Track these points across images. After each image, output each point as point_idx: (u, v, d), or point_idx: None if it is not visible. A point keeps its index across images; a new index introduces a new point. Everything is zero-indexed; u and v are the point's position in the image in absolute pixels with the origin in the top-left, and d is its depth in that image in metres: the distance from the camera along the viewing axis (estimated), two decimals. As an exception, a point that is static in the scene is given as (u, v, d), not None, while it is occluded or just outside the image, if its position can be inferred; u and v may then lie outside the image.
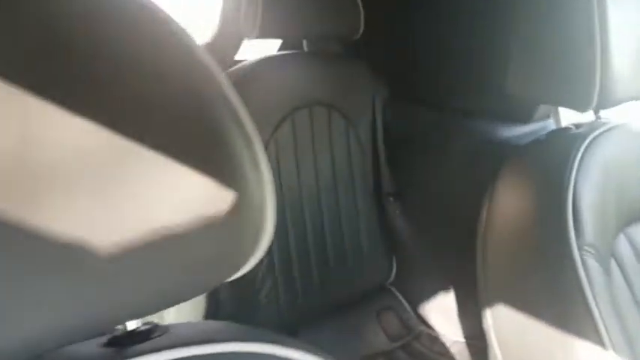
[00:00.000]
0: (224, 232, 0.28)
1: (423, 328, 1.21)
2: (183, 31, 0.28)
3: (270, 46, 1.27)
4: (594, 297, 0.56)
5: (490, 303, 0.70)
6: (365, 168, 1.15)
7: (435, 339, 1.18)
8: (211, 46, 1.07)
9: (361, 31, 1.06)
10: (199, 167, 0.26)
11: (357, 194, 1.14)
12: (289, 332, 1.07)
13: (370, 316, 1.20)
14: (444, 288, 1.14)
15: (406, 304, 1.24)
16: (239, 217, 0.28)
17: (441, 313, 1.17)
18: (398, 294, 1.25)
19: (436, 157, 1.11)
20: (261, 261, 1.01)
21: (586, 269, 0.57)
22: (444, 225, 1.09)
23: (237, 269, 0.31)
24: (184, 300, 0.30)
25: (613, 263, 0.65)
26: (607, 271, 0.60)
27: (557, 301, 0.59)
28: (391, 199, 1.18)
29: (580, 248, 0.58)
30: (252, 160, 0.29)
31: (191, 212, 0.26)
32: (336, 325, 1.15)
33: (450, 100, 1.08)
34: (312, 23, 1.01)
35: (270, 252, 1.02)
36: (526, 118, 0.95)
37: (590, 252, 0.59)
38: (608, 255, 0.63)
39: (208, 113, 0.28)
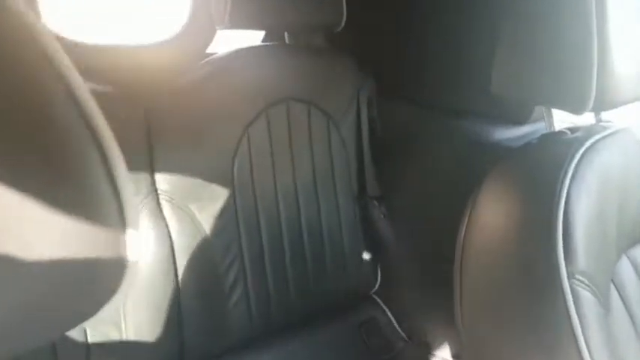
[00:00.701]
0: (73, 264, 0.23)
1: (409, 342, 1.13)
2: (28, 16, 0.22)
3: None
4: (585, 336, 0.47)
5: (465, 323, 0.62)
6: (348, 169, 1.07)
7: (421, 355, 1.10)
8: (181, 38, 0.99)
9: (343, 22, 0.98)
10: (39, 187, 0.21)
11: (338, 197, 1.07)
12: (262, 344, 1.01)
13: (352, 328, 1.12)
14: (432, 300, 1.06)
15: (391, 316, 1.16)
16: (93, 245, 0.23)
17: (429, 326, 1.09)
18: (382, 305, 1.17)
19: (424, 159, 1.02)
20: (231, 266, 0.94)
21: (577, 302, 0.48)
22: (432, 231, 1.01)
23: (98, 306, 0.26)
24: (39, 344, 0.25)
25: (613, 291, 0.56)
26: (604, 303, 0.51)
27: (541, 337, 0.50)
28: (375, 202, 1.10)
29: (570, 276, 0.49)
30: (108, 178, 0.24)
31: (26, 242, 0.21)
32: (314, 338, 1.07)
33: (439, 99, 0.99)
34: (289, 13, 0.94)
35: (240, 257, 0.94)
36: (521, 120, 0.86)
37: (582, 281, 0.50)
38: (606, 283, 0.54)
39: (53, 119, 0.22)
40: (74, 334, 0.79)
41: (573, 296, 0.49)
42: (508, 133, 0.86)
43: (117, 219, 0.24)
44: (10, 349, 0.23)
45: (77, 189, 0.22)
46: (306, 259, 1.04)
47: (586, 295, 0.49)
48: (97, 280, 0.25)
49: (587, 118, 0.65)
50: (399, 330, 1.15)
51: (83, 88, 0.24)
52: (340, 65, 1.04)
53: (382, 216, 1.10)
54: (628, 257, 0.59)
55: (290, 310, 1.02)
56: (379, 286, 1.16)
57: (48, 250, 0.22)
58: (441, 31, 0.95)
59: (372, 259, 1.13)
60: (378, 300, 1.18)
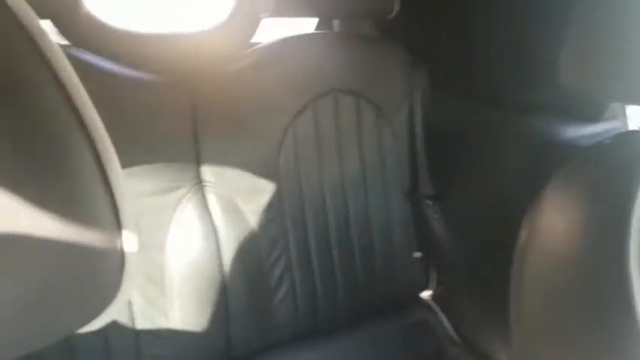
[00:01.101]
0: (67, 263, 0.22)
1: (463, 351, 1.06)
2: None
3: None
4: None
5: (521, 342, 0.56)
6: (399, 165, 1.02)
7: None
8: (228, 25, 0.98)
9: (396, 9, 0.92)
10: (26, 183, 0.20)
11: (389, 193, 1.02)
12: (308, 342, 1.00)
13: (401, 330, 1.07)
14: (492, 307, 0.99)
15: (445, 322, 1.10)
16: (86, 243, 0.22)
17: (487, 336, 1.02)
18: (436, 308, 1.11)
19: (485, 158, 0.95)
20: (277, 262, 0.93)
21: None
22: (492, 234, 0.94)
23: (101, 306, 0.25)
24: (35, 348, 0.24)
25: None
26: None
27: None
28: (429, 201, 1.04)
29: None
30: (99, 173, 0.23)
31: (16, 238, 0.20)
32: (361, 337, 1.04)
33: (503, 94, 0.91)
34: (337, 0, 0.90)
35: (287, 251, 0.93)
36: (595, 117, 0.77)
37: (662, 306, 0.42)
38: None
39: (35, 106, 0.21)
40: (123, 320, 0.81)
41: None
42: (580, 131, 0.77)
43: (110, 218, 0.23)
44: (15, 349, 0.23)
45: (68, 186, 0.21)
46: (354, 256, 1.01)
47: None
48: (94, 278, 0.24)
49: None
50: (454, 337, 1.08)
51: (77, 84, 0.22)
52: (392, 55, 0.99)
53: (436, 216, 1.04)
54: None
55: (337, 308, 1.00)
56: (432, 288, 1.11)
57: (40, 249, 0.20)
58: (506, 18, 0.87)
59: (425, 259, 1.08)
60: (432, 304, 1.12)
